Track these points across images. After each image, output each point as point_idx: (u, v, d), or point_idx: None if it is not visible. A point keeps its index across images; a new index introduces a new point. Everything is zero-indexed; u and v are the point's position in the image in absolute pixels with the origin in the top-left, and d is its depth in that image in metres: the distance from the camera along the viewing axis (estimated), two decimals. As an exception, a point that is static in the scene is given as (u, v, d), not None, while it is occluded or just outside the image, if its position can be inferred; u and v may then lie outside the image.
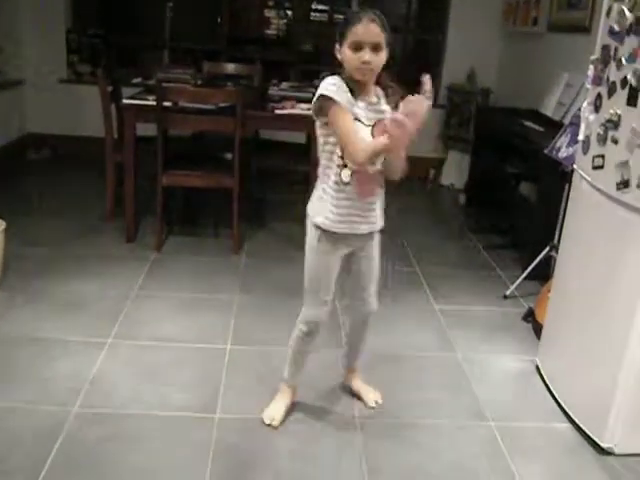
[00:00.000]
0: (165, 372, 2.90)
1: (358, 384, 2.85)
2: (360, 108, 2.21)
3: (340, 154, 2.23)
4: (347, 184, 2.25)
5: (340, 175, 2.24)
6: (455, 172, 6.34)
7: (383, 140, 2.07)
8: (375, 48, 2.14)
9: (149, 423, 2.55)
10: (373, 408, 2.75)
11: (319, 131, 2.28)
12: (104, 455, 2.35)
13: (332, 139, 2.23)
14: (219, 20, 6.41)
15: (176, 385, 2.81)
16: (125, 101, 4.19)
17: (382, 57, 2.17)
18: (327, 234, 2.33)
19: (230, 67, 5.51)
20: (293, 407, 2.70)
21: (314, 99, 2.21)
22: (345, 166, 2.23)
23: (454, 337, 3.40)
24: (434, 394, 2.91)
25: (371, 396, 2.80)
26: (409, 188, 6.37)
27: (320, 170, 2.33)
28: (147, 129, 4.11)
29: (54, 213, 4.73)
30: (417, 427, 2.67)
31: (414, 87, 2.00)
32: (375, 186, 2.31)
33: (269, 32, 6.51)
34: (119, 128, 4.52)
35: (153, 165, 4.03)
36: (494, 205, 5.06)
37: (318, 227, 2.33)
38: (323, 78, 2.22)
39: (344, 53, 2.17)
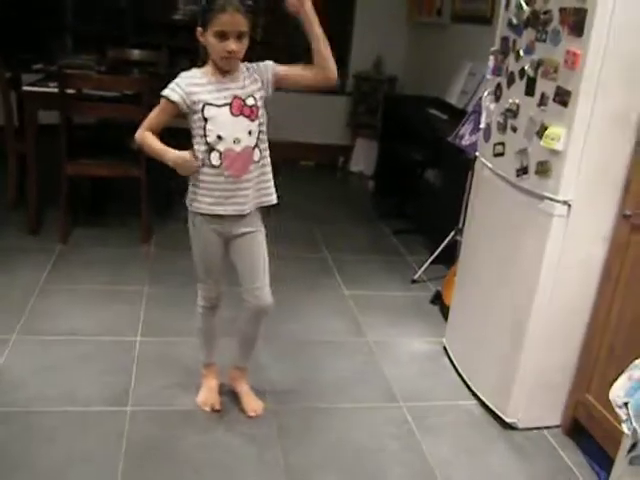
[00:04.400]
0: (74, 367, 2.83)
1: (243, 388, 2.68)
2: (210, 92, 2.23)
3: (206, 140, 2.24)
4: (216, 166, 2.26)
5: (209, 159, 2.26)
6: (364, 159, 6.42)
7: (160, 151, 2.24)
8: (240, 36, 2.16)
9: (58, 419, 2.49)
10: (251, 417, 2.61)
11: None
12: (11, 455, 2.28)
13: (195, 126, 2.26)
14: (123, 4, 6.23)
15: (85, 379, 2.75)
16: (25, 88, 4.04)
17: (246, 43, 2.20)
18: (198, 217, 2.36)
19: (135, 53, 5.35)
20: (222, 387, 2.71)
21: None
22: (212, 150, 2.25)
23: (364, 322, 3.46)
24: (346, 378, 2.96)
25: (252, 405, 2.64)
26: (318, 175, 6.44)
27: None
28: (50, 117, 3.98)
29: (-50, 205, 4.51)
30: (330, 411, 2.72)
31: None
32: (246, 163, 2.29)
33: (177, 17, 6.38)
34: (20, 116, 4.36)
35: (57, 154, 3.90)
36: (402, 191, 5.17)
37: (192, 211, 2.37)
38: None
39: (208, 40, 2.18)
